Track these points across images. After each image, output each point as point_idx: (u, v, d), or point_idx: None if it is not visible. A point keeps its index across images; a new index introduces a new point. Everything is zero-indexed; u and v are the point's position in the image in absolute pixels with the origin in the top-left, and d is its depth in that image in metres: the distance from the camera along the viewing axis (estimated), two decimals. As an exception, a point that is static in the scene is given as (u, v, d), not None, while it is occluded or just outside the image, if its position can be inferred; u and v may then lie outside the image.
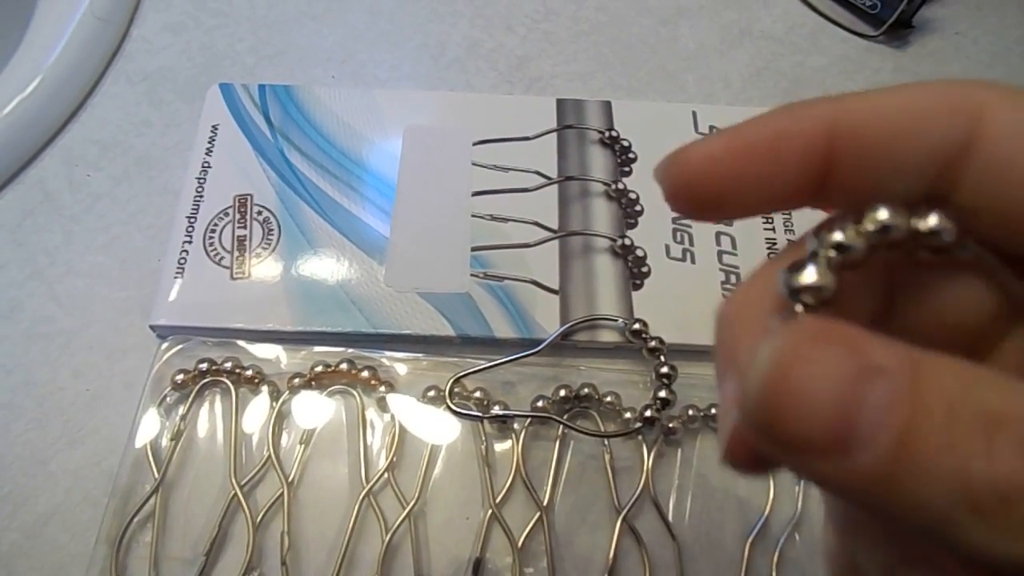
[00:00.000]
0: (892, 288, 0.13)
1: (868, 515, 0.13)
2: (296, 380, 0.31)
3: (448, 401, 0.30)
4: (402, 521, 0.29)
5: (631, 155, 0.36)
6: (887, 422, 0.09)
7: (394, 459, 0.30)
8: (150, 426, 0.30)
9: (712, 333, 0.14)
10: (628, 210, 0.35)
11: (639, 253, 0.33)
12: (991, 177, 0.11)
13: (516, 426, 0.30)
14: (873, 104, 0.12)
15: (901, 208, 0.12)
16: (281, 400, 0.31)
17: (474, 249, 0.33)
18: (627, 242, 0.33)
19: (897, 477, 0.09)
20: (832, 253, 0.12)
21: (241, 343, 0.32)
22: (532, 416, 0.30)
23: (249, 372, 0.31)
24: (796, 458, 0.10)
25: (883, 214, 0.12)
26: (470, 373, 0.30)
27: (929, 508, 0.09)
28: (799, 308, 0.12)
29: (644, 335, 0.31)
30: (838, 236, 0.12)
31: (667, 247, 0.33)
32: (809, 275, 0.12)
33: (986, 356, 0.13)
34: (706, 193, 0.13)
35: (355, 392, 0.31)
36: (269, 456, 0.30)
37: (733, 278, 0.33)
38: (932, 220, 0.12)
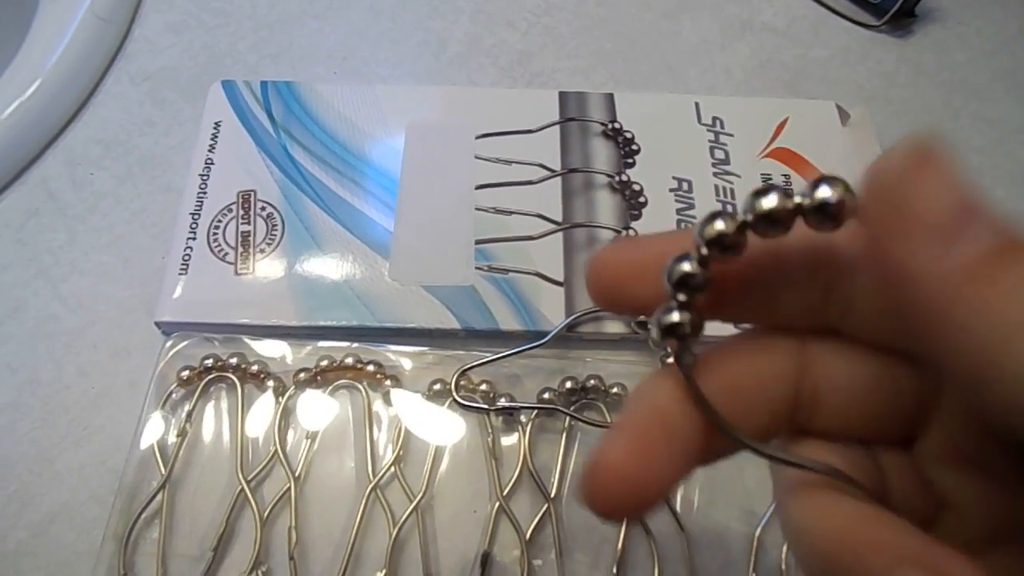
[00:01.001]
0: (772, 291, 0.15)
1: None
2: (302, 375, 0.31)
3: (454, 394, 0.30)
4: (409, 515, 0.29)
5: (634, 147, 0.36)
6: (998, 234, 0.11)
7: (401, 453, 0.30)
8: (156, 423, 0.30)
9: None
10: (632, 202, 0.35)
11: (644, 244, 0.33)
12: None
13: (523, 418, 0.30)
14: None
15: (781, 195, 0.12)
16: (287, 396, 0.31)
17: (478, 242, 0.33)
18: (631, 234, 0.33)
19: (987, 279, 0.10)
20: (704, 251, 0.13)
21: (246, 339, 0.32)
22: (538, 408, 0.30)
23: (254, 368, 0.31)
24: (909, 236, 0.11)
25: (769, 201, 0.12)
26: (476, 366, 0.30)
27: (997, 321, 0.10)
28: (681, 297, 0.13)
29: (649, 326, 0.31)
30: (717, 226, 0.13)
31: (672, 238, 0.33)
32: (685, 267, 0.13)
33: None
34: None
35: (361, 387, 0.31)
36: (275, 451, 0.30)
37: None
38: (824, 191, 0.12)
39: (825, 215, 0.12)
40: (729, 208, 0.34)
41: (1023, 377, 0.10)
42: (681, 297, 0.13)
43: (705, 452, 0.14)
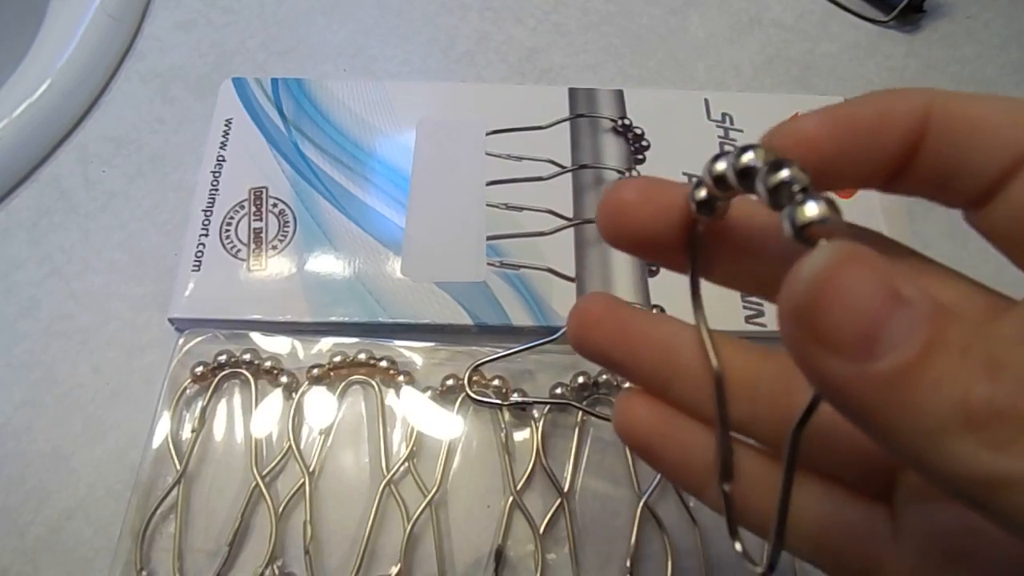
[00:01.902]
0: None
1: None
2: (315, 371, 0.31)
3: (467, 389, 0.30)
4: (423, 510, 0.29)
5: (644, 143, 0.36)
6: (910, 339, 0.11)
7: (414, 448, 0.30)
8: (170, 420, 0.30)
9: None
10: (642, 197, 0.35)
11: (654, 240, 0.33)
12: None
13: (535, 413, 0.30)
14: (967, 100, 0.14)
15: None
16: (300, 391, 0.31)
17: (490, 238, 0.33)
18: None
19: (907, 385, 0.11)
20: (709, 180, 0.14)
21: (259, 335, 0.32)
22: (551, 403, 0.30)
23: (268, 364, 0.31)
24: (823, 354, 0.11)
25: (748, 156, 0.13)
26: (488, 361, 0.30)
27: (924, 420, 0.11)
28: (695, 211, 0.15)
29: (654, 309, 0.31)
30: (719, 166, 0.14)
31: (682, 233, 0.33)
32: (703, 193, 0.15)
33: None
34: (815, 164, 0.14)
35: (374, 382, 0.31)
36: (289, 447, 0.30)
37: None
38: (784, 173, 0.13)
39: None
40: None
41: (960, 467, 0.11)
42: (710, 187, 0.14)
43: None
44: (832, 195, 0.12)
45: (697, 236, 0.16)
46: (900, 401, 0.11)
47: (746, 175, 0.13)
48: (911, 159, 0.14)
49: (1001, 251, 0.14)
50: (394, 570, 0.28)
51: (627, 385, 0.31)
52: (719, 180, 0.14)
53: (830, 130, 0.14)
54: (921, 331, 0.11)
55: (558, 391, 0.30)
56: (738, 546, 0.17)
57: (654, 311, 0.31)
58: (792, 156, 0.13)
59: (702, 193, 0.15)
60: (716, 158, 0.14)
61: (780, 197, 0.12)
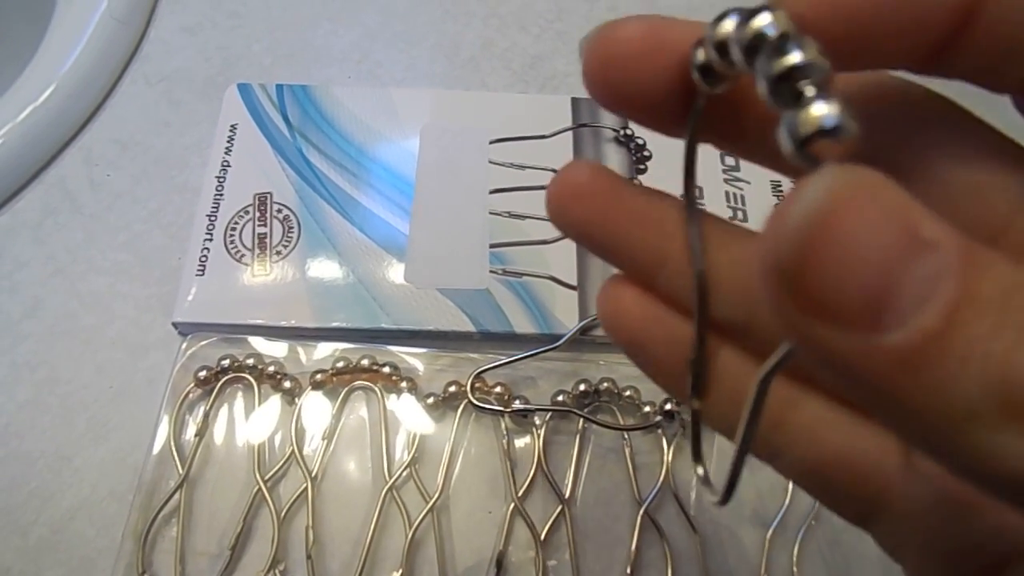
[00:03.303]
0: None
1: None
2: (318, 376, 0.31)
3: (470, 396, 0.30)
4: (425, 515, 0.29)
5: (646, 153, 0.36)
6: (933, 300, 0.08)
7: (416, 454, 0.30)
8: (173, 423, 0.30)
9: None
10: (644, 207, 0.35)
11: (656, 249, 0.33)
12: None
13: (537, 420, 0.31)
14: None
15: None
16: (303, 396, 0.31)
17: (493, 246, 0.34)
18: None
19: (927, 362, 0.08)
20: (711, 44, 0.11)
21: (262, 340, 0.32)
22: (552, 410, 0.31)
23: (271, 369, 0.31)
24: (817, 324, 0.09)
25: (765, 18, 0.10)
26: (491, 368, 0.31)
27: (951, 404, 0.08)
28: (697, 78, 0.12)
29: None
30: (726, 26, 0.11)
31: (684, 243, 0.34)
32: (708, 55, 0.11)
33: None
34: (844, 31, 0.11)
35: (376, 388, 0.31)
36: (292, 451, 0.30)
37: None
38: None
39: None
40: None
41: (994, 463, 0.08)
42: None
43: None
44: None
45: (698, 111, 0.13)
46: (920, 382, 0.08)
47: (754, 47, 0.10)
48: (963, 30, 0.11)
49: None
50: (395, 575, 0.28)
51: (627, 393, 0.31)
52: (721, 47, 0.11)
53: None
54: (947, 286, 0.08)
55: (560, 398, 0.31)
56: (699, 470, 0.15)
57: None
58: (809, 19, 0.10)
59: (701, 56, 0.12)
60: (726, 14, 0.11)
61: (783, 92, 0.09)
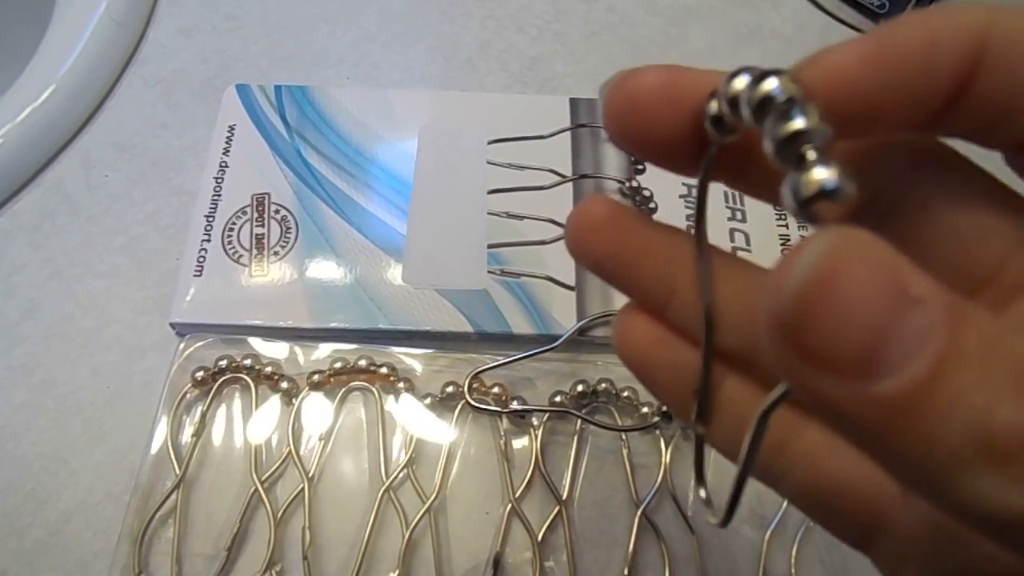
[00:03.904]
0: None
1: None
2: (315, 377, 0.31)
3: (467, 396, 0.30)
4: (422, 516, 0.29)
5: (644, 153, 0.36)
6: (920, 352, 0.09)
7: (413, 455, 0.30)
8: (170, 423, 0.30)
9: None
10: (642, 207, 0.35)
11: (654, 249, 0.33)
12: None
13: (534, 421, 0.31)
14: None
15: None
16: (300, 397, 0.31)
17: (490, 246, 0.33)
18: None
19: (916, 410, 0.09)
20: (723, 98, 0.12)
21: (259, 340, 0.32)
22: (550, 411, 0.30)
23: (268, 369, 0.31)
24: (814, 372, 0.09)
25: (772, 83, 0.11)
26: (488, 369, 0.31)
27: (938, 449, 0.09)
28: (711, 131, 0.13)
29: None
30: (738, 83, 0.12)
31: (682, 243, 0.34)
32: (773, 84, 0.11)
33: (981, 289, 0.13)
34: (851, 105, 0.12)
35: (373, 389, 0.31)
36: (289, 452, 0.30)
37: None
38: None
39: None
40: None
41: (979, 505, 0.09)
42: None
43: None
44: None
45: (710, 156, 0.13)
46: (908, 428, 0.09)
47: (762, 108, 0.11)
48: (960, 96, 0.12)
49: None
50: (393, 575, 0.28)
51: (625, 394, 0.31)
52: (733, 103, 0.12)
53: (873, 67, 0.11)
54: (934, 339, 0.09)
55: (557, 399, 0.31)
56: (702, 492, 0.16)
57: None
58: (820, 94, 0.11)
59: (713, 108, 0.12)
60: (739, 72, 0.12)
61: (787, 153, 0.10)
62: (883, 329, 0.09)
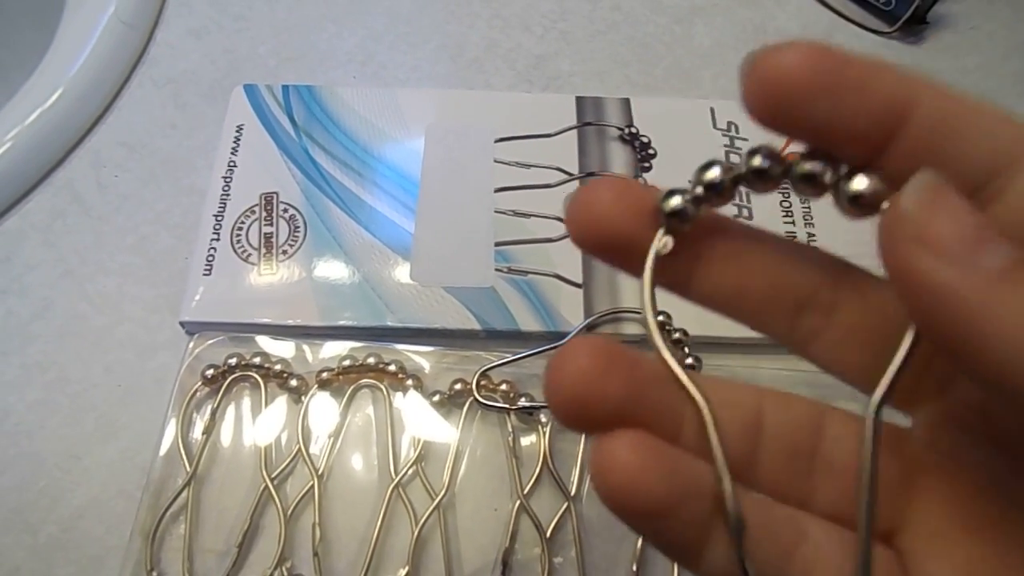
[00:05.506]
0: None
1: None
2: (324, 375, 0.31)
3: (475, 394, 0.30)
4: (431, 513, 0.29)
5: (651, 151, 0.37)
6: (1012, 248, 0.12)
7: (422, 452, 0.30)
8: (181, 421, 0.30)
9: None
10: (649, 205, 0.35)
11: (661, 247, 0.33)
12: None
13: (542, 418, 0.31)
14: (955, 102, 0.14)
15: (774, 155, 0.14)
16: (309, 395, 0.31)
17: (498, 244, 0.34)
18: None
19: (1010, 285, 0.11)
20: (699, 189, 0.14)
21: (268, 339, 0.32)
22: (558, 408, 0.31)
23: (278, 367, 0.31)
24: (927, 259, 0.12)
25: (757, 161, 0.14)
26: (496, 366, 0.31)
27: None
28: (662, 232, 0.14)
29: (668, 327, 0.31)
30: (711, 174, 0.14)
31: (688, 241, 0.34)
32: (674, 201, 0.14)
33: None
34: (791, 95, 0.13)
35: (382, 386, 0.31)
36: (299, 449, 0.30)
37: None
38: (808, 166, 0.13)
39: (809, 184, 0.14)
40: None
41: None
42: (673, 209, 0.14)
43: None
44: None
45: (656, 257, 0.14)
46: (1002, 303, 0.11)
47: (761, 176, 0.14)
48: (889, 140, 0.13)
49: None
50: (402, 572, 0.28)
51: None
52: (711, 187, 0.14)
53: (828, 70, 0.13)
54: (1019, 250, 0.11)
55: (565, 396, 0.31)
56: None
57: (660, 317, 0.31)
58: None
59: (675, 202, 0.14)
60: (708, 166, 0.14)
61: (810, 182, 0.14)
62: (985, 230, 0.12)
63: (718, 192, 0.14)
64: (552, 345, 0.31)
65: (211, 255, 0.33)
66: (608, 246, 0.15)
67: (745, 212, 0.35)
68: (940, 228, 0.12)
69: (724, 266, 0.15)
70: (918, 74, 0.13)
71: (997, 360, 0.11)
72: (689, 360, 0.30)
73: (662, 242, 0.14)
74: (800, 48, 0.13)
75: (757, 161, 0.14)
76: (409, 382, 0.31)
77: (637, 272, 0.15)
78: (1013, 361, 0.11)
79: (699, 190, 0.14)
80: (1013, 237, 0.12)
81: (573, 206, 0.15)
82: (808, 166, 0.13)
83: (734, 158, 0.36)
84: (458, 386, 0.31)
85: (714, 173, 0.14)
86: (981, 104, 0.13)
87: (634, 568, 0.28)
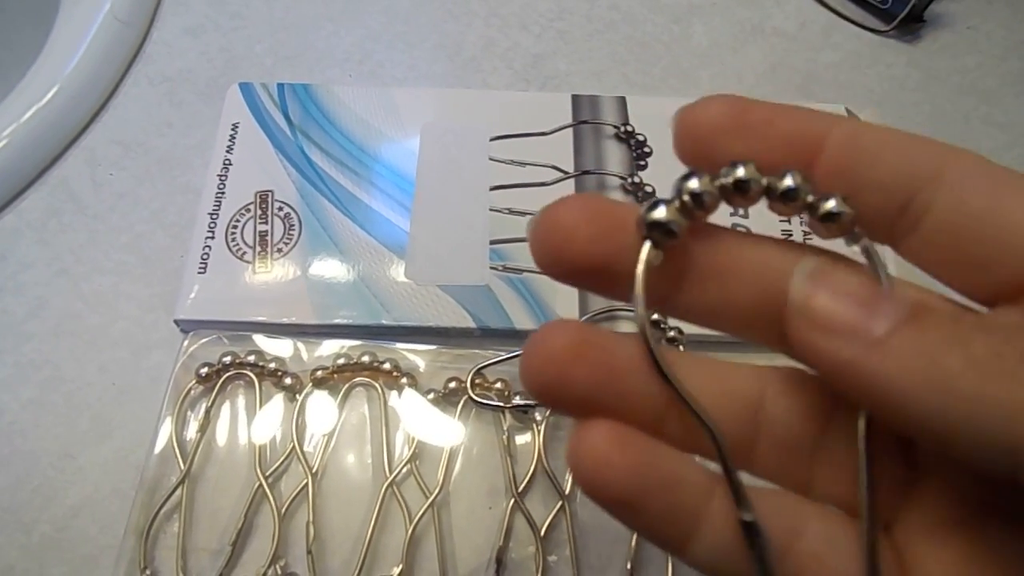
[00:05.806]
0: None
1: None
2: (319, 373, 0.31)
3: (470, 392, 0.30)
4: (425, 511, 0.29)
5: (646, 149, 0.37)
6: (901, 308, 0.12)
7: (416, 450, 0.30)
8: (175, 420, 0.30)
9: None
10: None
11: (656, 245, 0.33)
12: (946, 223, 0.13)
13: (537, 416, 0.31)
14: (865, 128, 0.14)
15: (754, 170, 0.14)
16: (304, 393, 0.31)
17: (493, 242, 0.34)
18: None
19: (910, 338, 0.12)
20: (686, 198, 0.13)
21: (263, 337, 0.32)
22: (553, 407, 0.31)
23: (272, 366, 0.31)
24: (825, 338, 0.13)
25: (740, 171, 0.14)
26: (491, 364, 0.31)
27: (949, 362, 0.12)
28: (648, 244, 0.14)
29: (663, 326, 0.31)
30: (692, 184, 0.13)
31: (684, 239, 0.34)
32: (660, 213, 0.13)
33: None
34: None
35: (377, 385, 0.31)
36: (293, 448, 0.30)
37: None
38: (788, 181, 0.14)
39: (788, 199, 0.14)
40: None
41: (984, 431, 0.11)
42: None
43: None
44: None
45: (648, 269, 0.14)
46: (908, 355, 0.12)
47: (740, 187, 0.14)
48: (808, 169, 0.14)
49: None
50: (396, 571, 0.28)
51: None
52: (695, 197, 0.13)
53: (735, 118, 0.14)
54: (906, 307, 0.12)
55: (560, 394, 0.31)
56: None
57: (655, 316, 0.31)
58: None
59: (659, 214, 0.13)
60: (690, 175, 0.13)
61: (789, 203, 0.14)
62: (871, 297, 0.13)
63: (702, 206, 0.14)
64: (547, 344, 0.31)
65: (206, 253, 0.33)
66: (583, 271, 0.14)
67: (740, 211, 0.35)
68: (827, 310, 0.13)
69: (705, 284, 0.15)
70: (834, 115, 0.14)
71: (920, 417, 0.12)
72: (672, 333, 0.30)
73: (653, 254, 0.14)
74: (714, 99, 0.14)
75: (739, 173, 0.14)
76: (404, 380, 0.31)
77: (615, 295, 0.14)
78: (938, 417, 0.12)
79: (687, 199, 0.13)
80: (943, 246, 0.13)
81: (539, 231, 0.14)
82: (788, 182, 0.14)
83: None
84: (453, 384, 0.31)
85: (695, 184, 0.13)
86: (896, 130, 0.14)
87: (628, 567, 0.28)
